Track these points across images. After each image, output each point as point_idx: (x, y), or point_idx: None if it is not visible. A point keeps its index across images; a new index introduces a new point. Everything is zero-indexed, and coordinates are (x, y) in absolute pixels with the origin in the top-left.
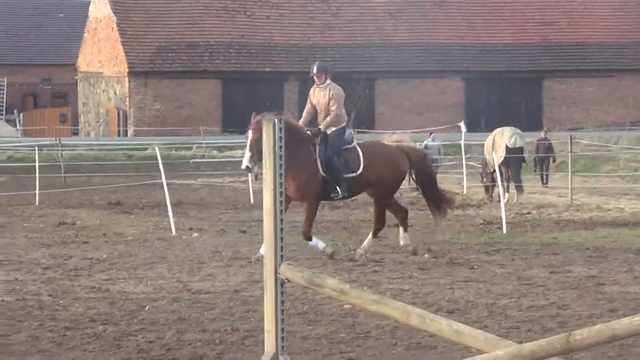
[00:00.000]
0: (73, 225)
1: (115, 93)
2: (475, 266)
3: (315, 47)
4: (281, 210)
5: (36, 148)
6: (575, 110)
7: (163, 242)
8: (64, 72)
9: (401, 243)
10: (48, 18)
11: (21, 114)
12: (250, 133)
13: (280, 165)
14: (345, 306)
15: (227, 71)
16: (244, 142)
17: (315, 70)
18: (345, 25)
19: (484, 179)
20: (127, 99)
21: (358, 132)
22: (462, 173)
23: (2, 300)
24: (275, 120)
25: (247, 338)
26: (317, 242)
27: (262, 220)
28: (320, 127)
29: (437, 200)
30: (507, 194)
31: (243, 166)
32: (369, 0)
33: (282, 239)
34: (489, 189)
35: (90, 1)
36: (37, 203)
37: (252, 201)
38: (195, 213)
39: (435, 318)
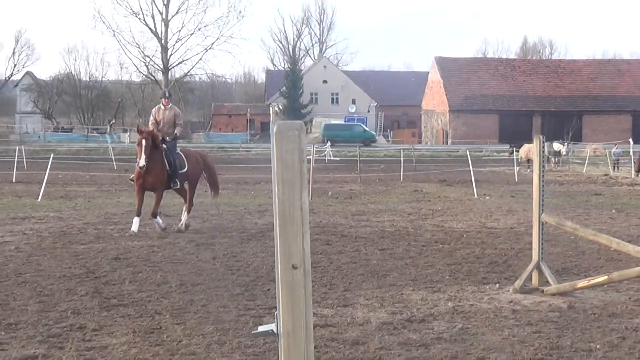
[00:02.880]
0: (421, 192)
1: None
2: (623, 215)
3: None
4: (543, 185)
5: (401, 151)
6: None
7: (469, 201)
8: (415, 110)
9: (183, 219)
10: (406, 80)
11: (391, 132)
12: (144, 141)
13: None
14: (571, 237)
15: None
16: None
17: (167, 94)
18: None
19: None
20: None
21: None
22: None
23: (387, 231)
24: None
25: (520, 253)
26: (159, 220)
27: (524, 190)
28: (176, 133)
29: (214, 184)
30: None
31: (141, 164)
32: None
33: (543, 198)
34: None
35: (428, 72)
36: (401, 179)
37: (516, 179)
38: (487, 186)
39: (624, 244)
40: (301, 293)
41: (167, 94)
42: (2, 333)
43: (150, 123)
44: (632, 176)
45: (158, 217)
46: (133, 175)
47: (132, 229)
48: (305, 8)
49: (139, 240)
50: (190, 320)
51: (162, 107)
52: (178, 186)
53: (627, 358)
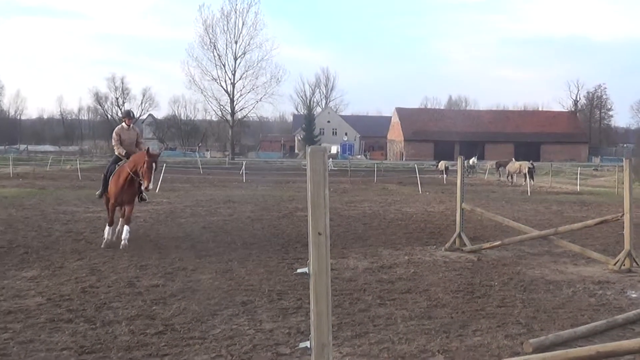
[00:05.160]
0: (387, 189)
1: None
2: (509, 204)
3: None
4: (463, 186)
5: (375, 164)
6: None
7: (416, 195)
8: (383, 139)
9: (125, 231)
10: (378, 121)
11: (369, 153)
12: (154, 165)
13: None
14: (479, 217)
15: None
16: None
17: (131, 114)
18: None
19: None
20: None
21: None
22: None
23: (367, 213)
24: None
25: (448, 227)
26: (110, 231)
27: (449, 189)
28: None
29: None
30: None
31: (151, 187)
32: None
33: (462, 193)
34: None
35: (391, 116)
36: (375, 181)
37: (444, 182)
38: (427, 186)
39: (510, 221)
40: (323, 250)
41: (130, 114)
42: (138, 271)
43: (114, 141)
44: (501, 179)
45: (110, 229)
46: (99, 192)
47: (105, 238)
48: (317, 76)
49: (216, 217)
50: (249, 265)
51: (125, 127)
52: (147, 199)
53: (514, 290)
